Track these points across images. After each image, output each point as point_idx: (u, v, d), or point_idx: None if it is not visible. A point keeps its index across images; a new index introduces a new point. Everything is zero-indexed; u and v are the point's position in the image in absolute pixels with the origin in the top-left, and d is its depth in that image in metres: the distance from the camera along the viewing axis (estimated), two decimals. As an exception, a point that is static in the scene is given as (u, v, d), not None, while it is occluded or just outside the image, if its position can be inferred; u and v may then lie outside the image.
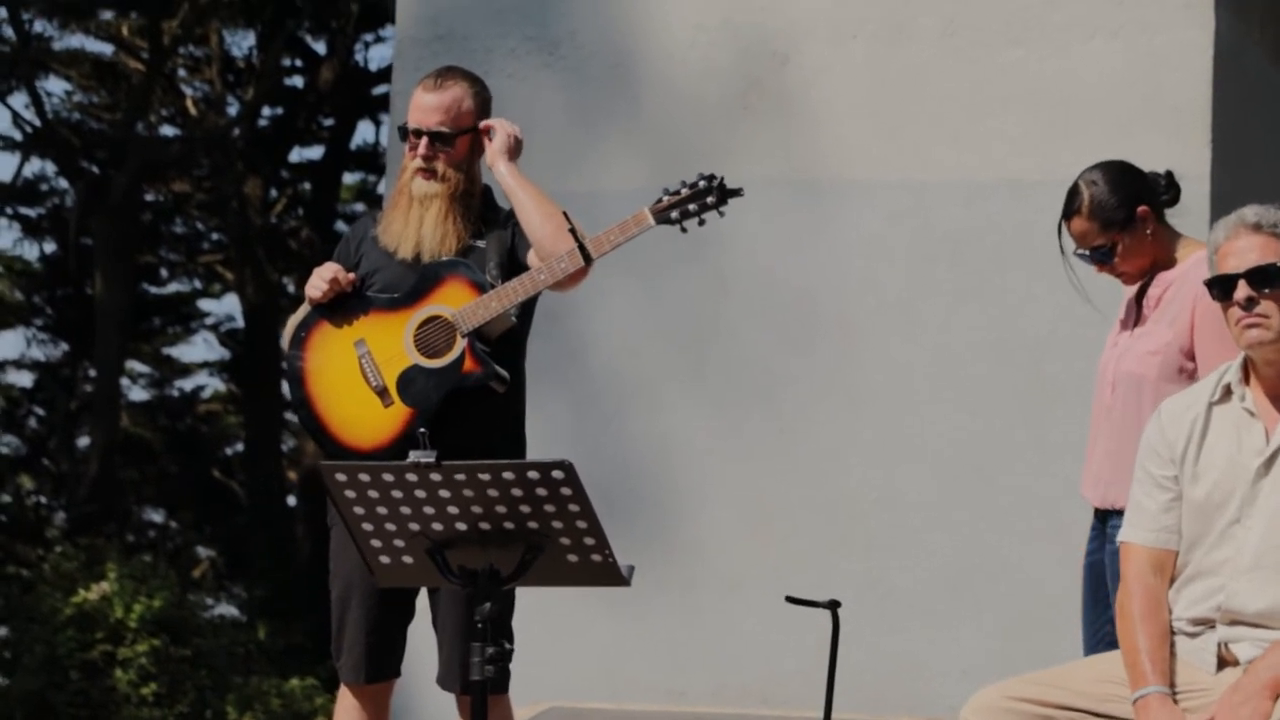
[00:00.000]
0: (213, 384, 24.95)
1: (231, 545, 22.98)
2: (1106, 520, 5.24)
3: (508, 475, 4.05)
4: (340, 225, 22.89)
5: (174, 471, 24.26)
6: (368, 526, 4.18)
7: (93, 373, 22.61)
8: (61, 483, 23.45)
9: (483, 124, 5.14)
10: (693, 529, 7.78)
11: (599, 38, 8.02)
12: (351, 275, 5.08)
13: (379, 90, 21.96)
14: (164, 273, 23.55)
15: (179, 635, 13.61)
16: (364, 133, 22.48)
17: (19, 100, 20.37)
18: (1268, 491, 4.18)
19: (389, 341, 5.00)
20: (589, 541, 4.12)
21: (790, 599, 5.13)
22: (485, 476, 4.06)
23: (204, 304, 23.96)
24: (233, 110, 20.66)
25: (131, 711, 13.13)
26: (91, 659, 13.29)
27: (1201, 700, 4.15)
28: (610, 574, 4.17)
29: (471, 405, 4.99)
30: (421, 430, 4.14)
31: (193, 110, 20.22)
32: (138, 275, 21.98)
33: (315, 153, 22.18)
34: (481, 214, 5.15)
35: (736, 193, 5.12)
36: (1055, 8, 7.57)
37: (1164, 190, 5.30)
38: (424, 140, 5.08)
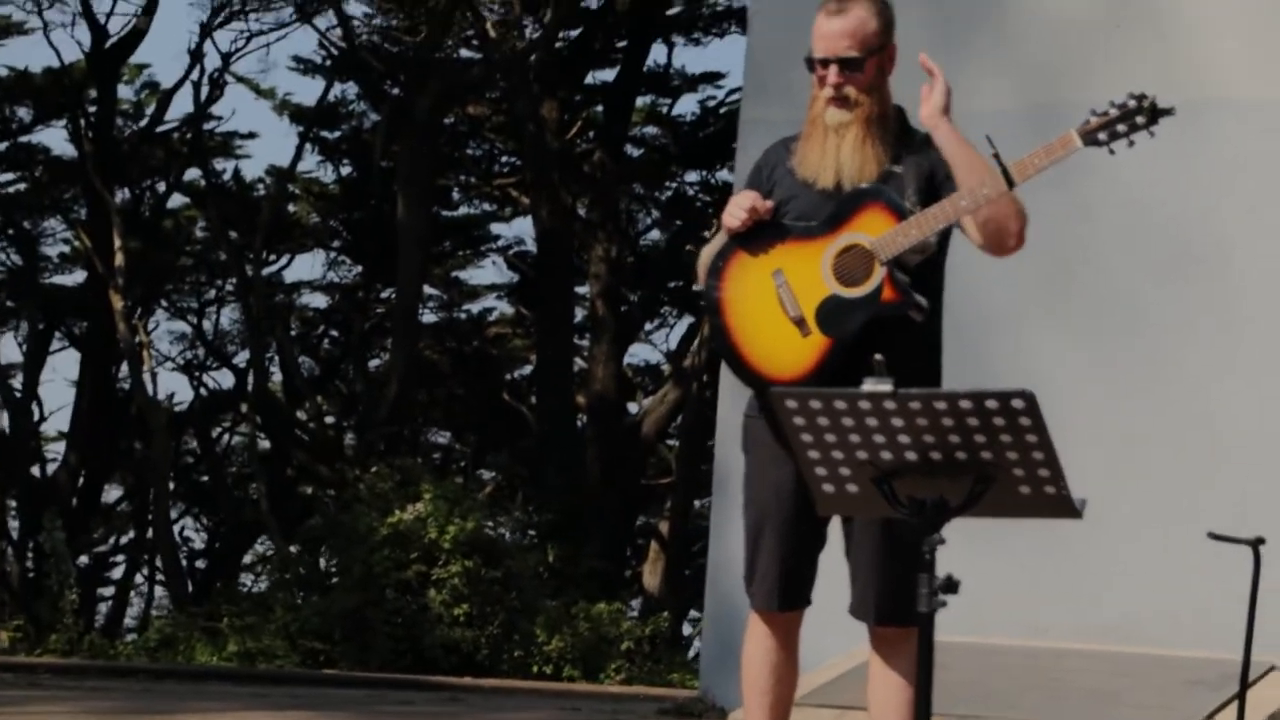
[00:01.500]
0: (500, 307, 25.17)
1: (520, 467, 23.17)
2: None
3: (965, 404, 3.91)
4: (630, 149, 22.89)
5: (461, 394, 24.52)
6: (814, 454, 4.07)
7: (385, 294, 22.89)
8: (352, 404, 23.80)
9: (926, 68, 4.95)
10: (1057, 460, 7.59)
11: (960, -43, 7.83)
12: (769, 204, 4.97)
13: (673, 11, 21.89)
14: (456, 195, 23.73)
15: (490, 557, 13.71)
16: (656, 54, 22.44)
17: (323, 22, 20.60)
18: None
19: (806, 270, 4.89)
20: (1043, 473, 3.98)
21: (1213, 535, 4.95)
22: (941, 405, 3.92)
23: (494, 227, 24.13)
24: (530, 32, 20.68)
25: (444, 631, 13.26)
26: (406, 578, 13.43)
27: None
28: (1063, 506, 4.03)
29: (890, 334, 4.84)
30: (878, 357, 4.02)
31: (492, 33, 20.27)
32: (434, 198, 22.16)
33: (609, 75, 22.16)
34: (898, 137, 5.00)
35: (1168, 112, 4.89)
36: None
37: None
38: (833, 68, 4.95)
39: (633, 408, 24.54)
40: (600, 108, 22.11)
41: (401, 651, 13.30)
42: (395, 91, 20.25)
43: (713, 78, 22.18)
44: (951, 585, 4.03)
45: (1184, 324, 7.47)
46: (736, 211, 4.92)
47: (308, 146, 22.40)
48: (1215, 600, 7.15)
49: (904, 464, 4.01)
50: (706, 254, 5.06)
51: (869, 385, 3.95)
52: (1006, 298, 7.74)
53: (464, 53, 21.03)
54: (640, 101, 22.76)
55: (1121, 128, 4.88)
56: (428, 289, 24.23)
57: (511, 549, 14.61)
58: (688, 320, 23.38)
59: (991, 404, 3.90)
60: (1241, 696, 4.98)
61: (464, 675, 12.69)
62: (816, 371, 4.82)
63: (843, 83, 4.93)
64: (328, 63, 20.86)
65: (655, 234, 23.45)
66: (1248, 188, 7.43)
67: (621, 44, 21.74)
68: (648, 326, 23.89)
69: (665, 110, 23.04)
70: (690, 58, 35.80)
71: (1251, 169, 7.42)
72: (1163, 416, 7.47)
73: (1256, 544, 4.93)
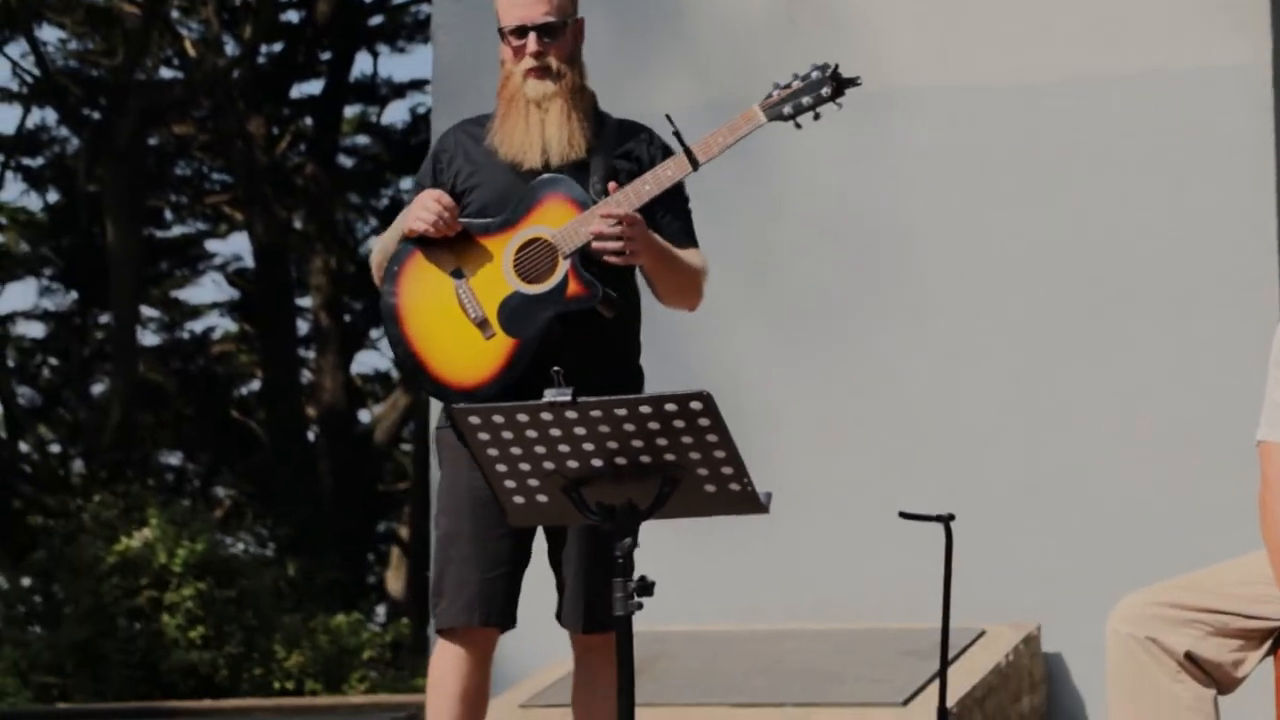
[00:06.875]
0: (223, 324, 24.93)
1: (253, 484, 22.98)
2: None
3: (644, 409, 3.99)
4: (343, 159, 22.80)
5: (190, 414, 24.22)
6: (501, 468, 4.13)
7: (103, 319, 22.56)
8: (78, 431, 23.41)
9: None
10: (762, 450, 7.74)
11: (638, -42, 7.96)
12: (452, 202, 4.67)
13: (375, 21, 21.86)
14: (168, 216, 23.45)
15: (222, 577, 13.61)
16: (362, 64, 22.38)
17: (16, 50, 20.26)
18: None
19: (487, 269, 4.65)
20: (727, 471, 4.07)
21: (904, 514, 5.10)
22: (621, 412, 4.00)
23: (211, 245, 23.90)
24: (231, 49, 20.51)
25: (181, 655, 13.14)
26: (138, 605, 13.29)
27: (1351, 597, 4.13)
28: (749, 502, 4.12)
29: (581, 331, 4.67)
30: (556, 369, 4.05)
31: (191, 51, 20.08)
32: (145, 220, 21.88)
33: (315, 87, 22.06)
34: (593, 122, 4.76)
35: (854, 81, 4.71)
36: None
37: None
38: (532, 36, 4.69)
39: (364, 416, 24.45)
40: (309, 120, 21.99)
41: (138, 679, 13.16)
42: (95, 115, 19.96)
43: (420, 84, 22.15)
44: (646, 587, 4.12)
45: (874, 313, 7.67)
46: (425, 214, 4.65)
47: (10, 175, 22.01)
48: (918, 574, 7.37)
49: (591, 471, 4.08)
50: (379, 250, 4.81)
51: (549, 395, 4.01)
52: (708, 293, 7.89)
53: (165, 72, 20.81)
54: (349, 112, 22.69)
55: (806, 100, 4.69)
56: (147, 311, 23.91)
57: (245, 567, 14.52)
58: (412, 325, 23.32)
59: (671, 407, 3.99)
60: (943, 662, 5.18)
61: (203, 698, 12.61)
62: (504, 373, 4.62)
63: (543, 50, 4.69)
64: (24, 90, 20.51)
65: (373, 242, 23.38)
66: (928, 177, 7.64)
67: (325, 55, 21.64)
68: (373, 334, 23.82)
69: (375, 119, 22.98)
70: (395, 66, 35.66)
71: (930, 158, 7.63)
72: (859, 401, 7.67)
73: (947, 520, 5.08)
